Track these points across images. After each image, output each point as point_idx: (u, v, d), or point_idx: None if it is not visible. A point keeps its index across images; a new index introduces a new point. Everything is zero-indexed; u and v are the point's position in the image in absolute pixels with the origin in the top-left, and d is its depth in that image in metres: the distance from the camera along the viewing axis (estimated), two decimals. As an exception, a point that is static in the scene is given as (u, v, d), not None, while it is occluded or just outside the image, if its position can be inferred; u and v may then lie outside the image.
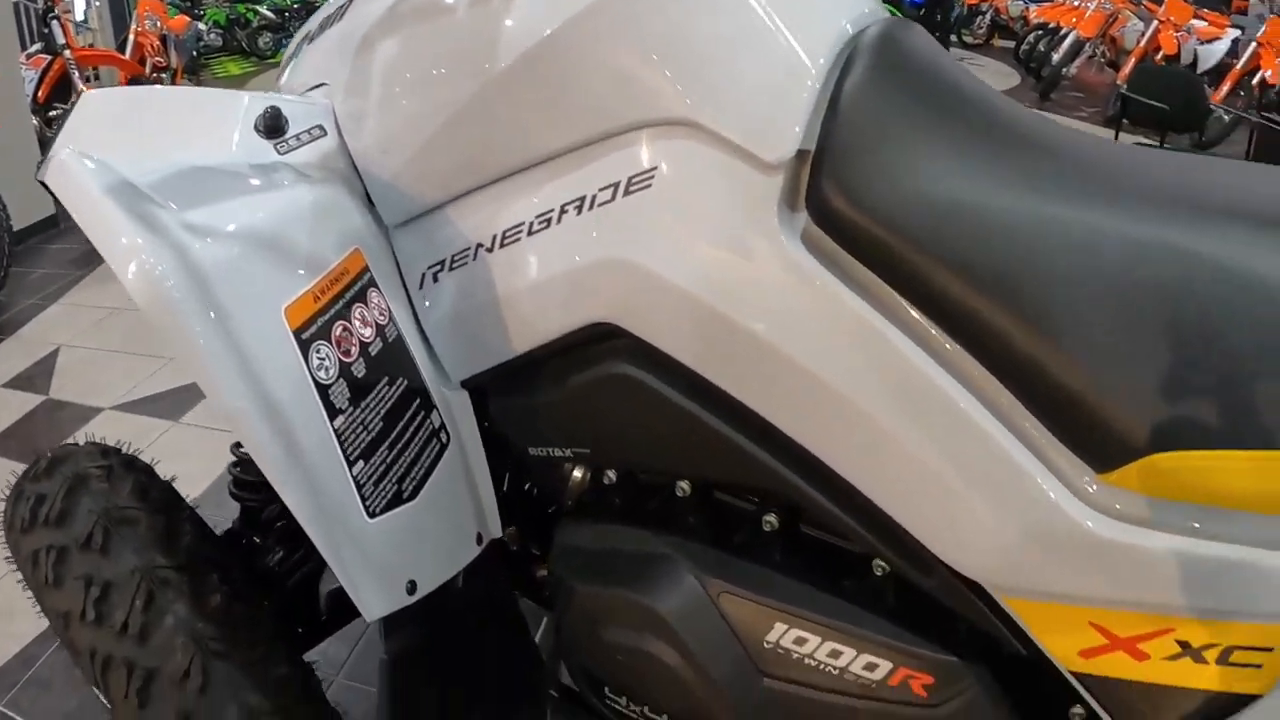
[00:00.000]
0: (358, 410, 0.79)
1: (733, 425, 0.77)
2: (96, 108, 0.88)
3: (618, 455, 0.88)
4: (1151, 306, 0.63)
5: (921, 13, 7.23)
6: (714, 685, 0.82)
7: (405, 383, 0.85)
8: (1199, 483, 0.61)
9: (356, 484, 0.77)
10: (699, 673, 0.82)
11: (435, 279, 0.91)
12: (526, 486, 1.09)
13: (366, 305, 0.84)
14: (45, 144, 4.26)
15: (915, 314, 0.70)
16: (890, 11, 0.89)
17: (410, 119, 0.91)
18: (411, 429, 0.85)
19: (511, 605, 1.06)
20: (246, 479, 1.17)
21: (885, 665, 0.77)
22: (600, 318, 0.80)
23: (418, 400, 0.87)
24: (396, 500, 0.81)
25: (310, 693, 1.02)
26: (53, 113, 4.69)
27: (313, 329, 0.77)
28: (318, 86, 1.02)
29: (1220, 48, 6.49)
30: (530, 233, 0.84)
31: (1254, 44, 5.90)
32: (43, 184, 0.95)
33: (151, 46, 5.63)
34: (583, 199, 0.81)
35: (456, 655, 0.94)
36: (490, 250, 0.87)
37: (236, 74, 9.67)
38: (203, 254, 0.71)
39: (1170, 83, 4.13)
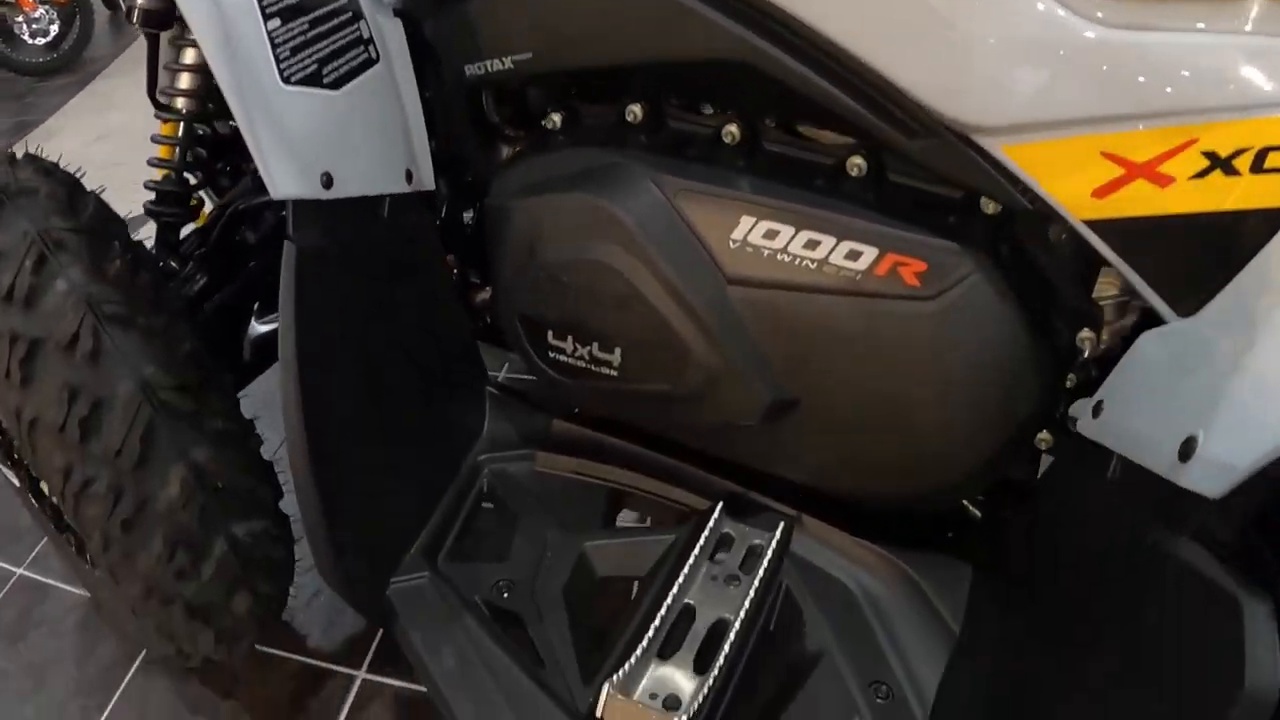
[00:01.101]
0: None
1: None
2: None
3: (563, 54, 0.78)
4: None
5: None
6: (672, 299, 0.74)
7: (329, -24, 0.76)
8: None
9: (271, 41, 0.69)
10: (655, 284, 0.74)
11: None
12: (467, 218, 1.00)
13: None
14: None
15: None
16: None
17: None
18: (336, 21, 0.76)
19: (451, 297, 0.98)
20: (165, 186, 1.09)
21: (870, 253, 0.69)
22: None
23: (344, 4, 0.78)
24: (315, 80, 0.73)
25: (221, 384, 0.93)
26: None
27: None
28: None
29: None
30: None
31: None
32: None
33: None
34: None
35: (381, 309, 0.85)
36: None
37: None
38: None
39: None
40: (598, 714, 0.66)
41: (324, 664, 1.25)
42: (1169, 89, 0.56)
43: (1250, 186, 0.57)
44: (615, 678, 0.65)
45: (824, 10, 0.65)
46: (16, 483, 1.24)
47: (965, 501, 0.86)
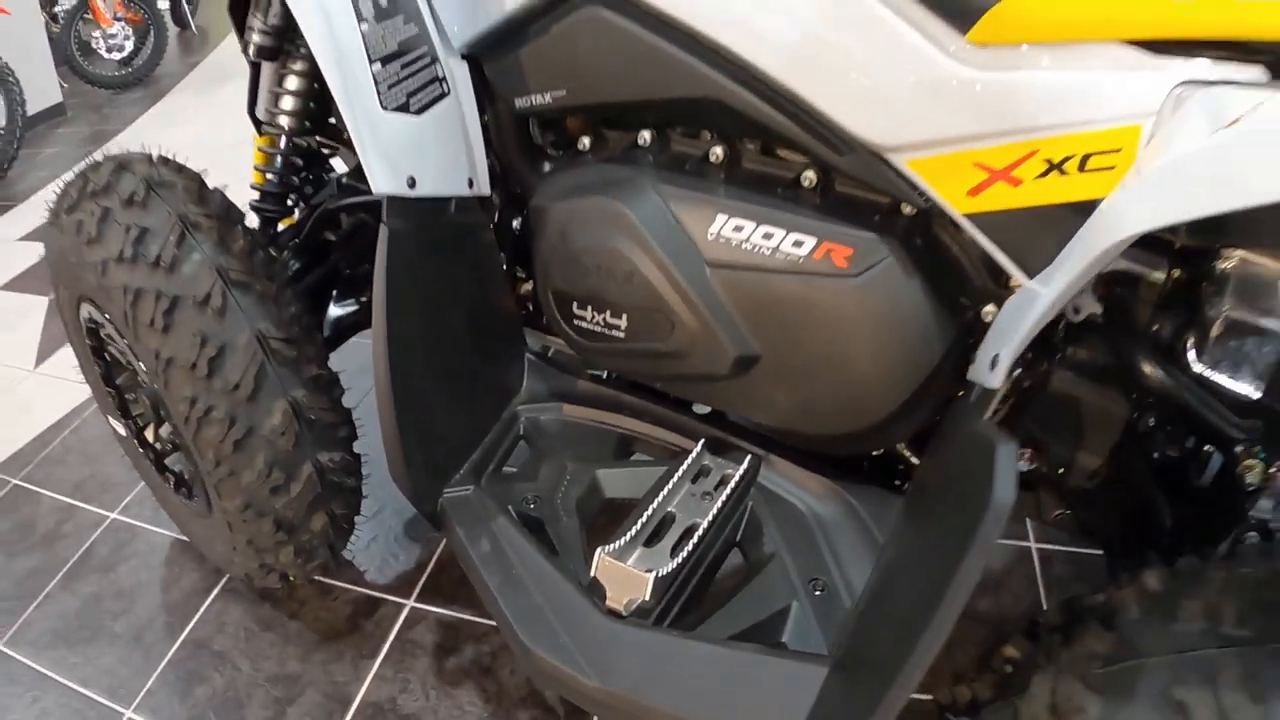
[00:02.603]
0: (378, 26, 1.02)
1: (686, 48, 0.98)
2: None
3: (591, 91, 1.09)
4: None
5: None
6: (666, 275, 1.03)
7: (415, 29, 1.08)
8: (1040, 25, 0.80)
9: (375, 79, 1.00)
10: (652, 263, 1.04)
11: (442, -46, 1.13)
12: (516, 224, 1.30)
13: (383, -44, 1.06)
14: (52, 38, 4.55)
15: None
16: None
17: None
18: (419, 64, 1.07)
19: (500, 283, 1.28)
20: (269, 188, 1.41)
21: (810, 241, 0.97)
22: None
23: (424, 48, 1.09)
24: (405, 109, 1.04)
25: (315, 340, 1.24)
26: (57, 7, 4.96)
27: None
28: None
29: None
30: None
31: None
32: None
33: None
34: None
35: (443, 283, 1.16)
36: (488, -79, 1.08)
37: None
38: None
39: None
40: (594, 574, 0.94)
41: (378, 594, 1.55)
42: (1019, 114, 0.83)
43: (1076, 182, 0.83)
44: (608, 548, 0.93)
45: (774, 61, 0.93)
46: (123, 432, 1.56)
47: (907, 452, 1.13)
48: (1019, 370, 0.97)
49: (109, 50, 4.70)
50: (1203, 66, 0.76)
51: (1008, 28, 0.82)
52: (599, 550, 0.94)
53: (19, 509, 1.89)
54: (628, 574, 0.92)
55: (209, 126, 4.07)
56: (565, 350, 1.30)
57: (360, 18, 1.00)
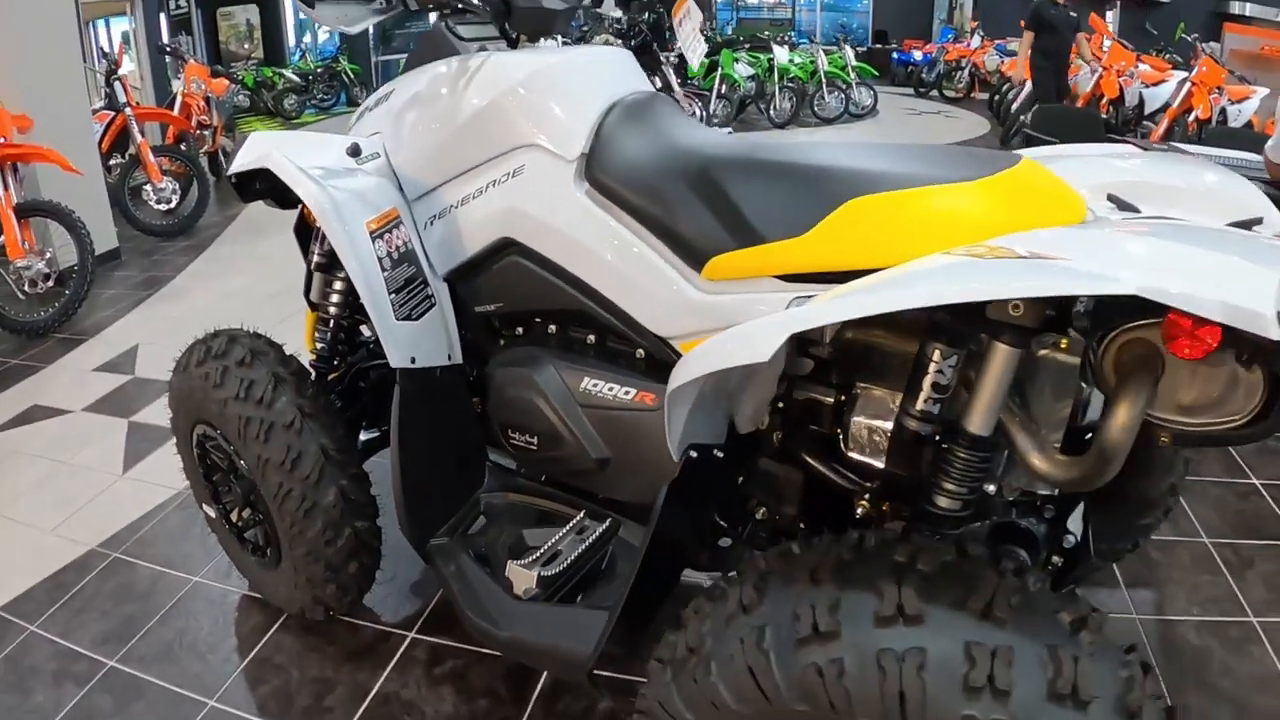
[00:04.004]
0: (393, 272, 1.96)
1: (565, 280, 1.90)
2: (266, 139, 2.11)
3: (517, 305, 2.02)
4: (705, 187, 1.69)
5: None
6: (556, 412, 1.94)
7: (415, 269, 2.02)
8: (735, 269, 1.65)
9: (393, 304, 1.94)
10: (549, 406, 1.94)
11: (431, 223, 2.09)
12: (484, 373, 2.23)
13: (399, 231, 2.02)
14: (109, 188, 5.63)
15: (628, 218, 1.81)
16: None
17: (422, 147, 2.11)
18: (417, 289, 2.01)
19: (470, 418, 2.20)
20: (322, 353, 2.35)
21: (634, 390, 1.86)
22: (504, 234, 1.97)
23: (420, 279, 2.03)
24: (409, 317, 1.97)
25: (353, 451, 2.16)
26: (112, 162, 6.08)
27: (376, 233, 1.95)
28: (376, 133, 2.24)
29: (1165, 90, 7.88)
30: (475, 198, 2.02)
31: (1188, 84, 7.31)
32: (230, 179, 2.20)
33: (198, 106, 7.11)
34: (495, 180, 1.99)
35: (434, 418, 2.08)
36: (457, 207, 2.05)
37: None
38: (337, 196, 1.91)
39: (1070, 121, 5.19)
40: (506, 574, 1.83)
41: (388, 628, 2.41)
42: (727, 318, 1.69)
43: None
44: (517, 562, 1.82)
45: (609, 287, 1.83)
46: (213, 514, 2.46)
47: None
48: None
49: (158, 202, 5.78)
50: (805, 287, 1.57)
51: (720, 270, 1.65)
52: (510, 562, 1.83)
53: (120, 574, 2.70)
54: (525, 574, 1.80)
55: (254, 277, 5.15)
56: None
57: (383, 269, 1.95)
